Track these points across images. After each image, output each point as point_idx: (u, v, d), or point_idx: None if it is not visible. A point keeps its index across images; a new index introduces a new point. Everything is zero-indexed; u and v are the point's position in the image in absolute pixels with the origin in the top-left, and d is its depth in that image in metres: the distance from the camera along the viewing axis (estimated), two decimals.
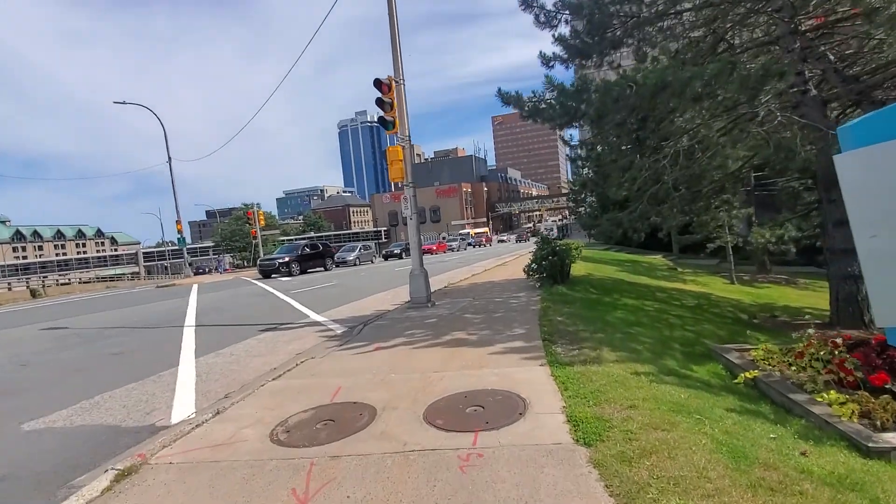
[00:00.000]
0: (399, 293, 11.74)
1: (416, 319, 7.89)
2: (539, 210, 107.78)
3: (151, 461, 3.22)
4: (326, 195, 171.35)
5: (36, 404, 5.04)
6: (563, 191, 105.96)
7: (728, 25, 9.01)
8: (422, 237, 10.43)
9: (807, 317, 10.26)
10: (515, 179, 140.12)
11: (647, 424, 3.08)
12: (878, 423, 3.61)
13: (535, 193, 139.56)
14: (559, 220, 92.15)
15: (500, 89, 9.03)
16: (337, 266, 28.10)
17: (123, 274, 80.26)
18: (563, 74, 32.13)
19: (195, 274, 46.08)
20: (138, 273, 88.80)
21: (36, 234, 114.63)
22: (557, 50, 9.72)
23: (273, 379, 5.03)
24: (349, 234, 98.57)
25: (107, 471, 3.09)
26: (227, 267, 63.38)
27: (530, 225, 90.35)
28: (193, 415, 4.40)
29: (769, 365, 4.97)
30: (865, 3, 6.14)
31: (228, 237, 67.91)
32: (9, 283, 49.83)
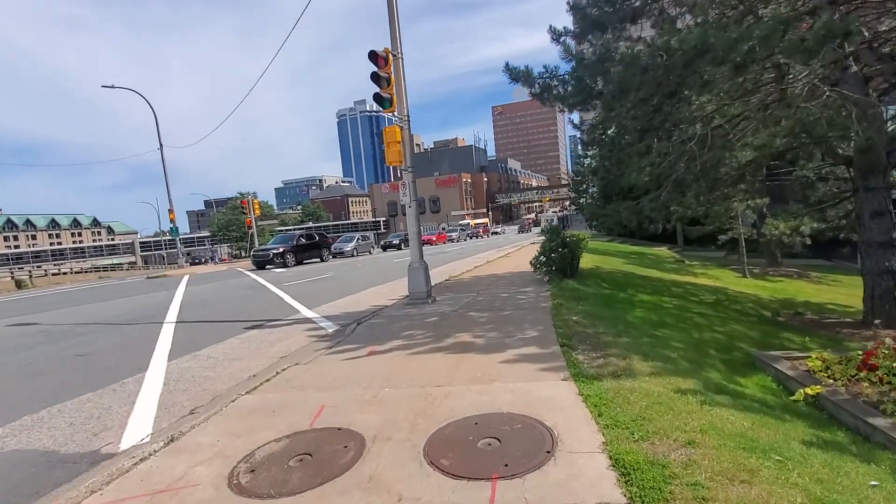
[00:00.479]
0: (397, 286, 11.01)
1: (416, 318, 7.16)
2: (540, 200, 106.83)
3: None
4: (325, 185, 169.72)
5: None
6: (563, 182, 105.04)
7: None
8: (421, 228, 9.65)
9: (836, 315, 9.55)
10: (515, 170, 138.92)
11: (718, 473, 2.34)
12: None
13: (534, 184, 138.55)
14: (559, 210, 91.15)
15: (507, 64, 8.28)
16: (334, 257, 27.32)
17: (121, 264, 79.32)
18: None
19: (192, 264, 45.38)
20: (135, 263, 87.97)
21: (29, 222, 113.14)
22: (568, 24, 8.93)
23: (247, 392, 4.29)
24: (348, 224, 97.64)
25: None
26: (224, 257, 62.63)
27: (531, 216, 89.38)
28: (148, 437, 3.66)
29: (830, 378, 4.24)
30: None
31: (224, 227, 66.98)
32: None
